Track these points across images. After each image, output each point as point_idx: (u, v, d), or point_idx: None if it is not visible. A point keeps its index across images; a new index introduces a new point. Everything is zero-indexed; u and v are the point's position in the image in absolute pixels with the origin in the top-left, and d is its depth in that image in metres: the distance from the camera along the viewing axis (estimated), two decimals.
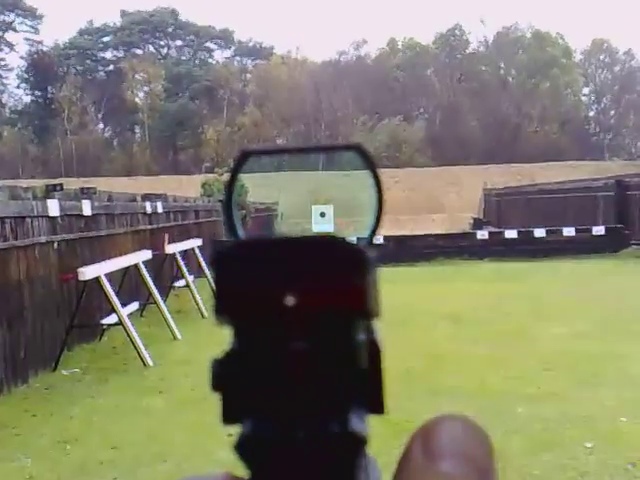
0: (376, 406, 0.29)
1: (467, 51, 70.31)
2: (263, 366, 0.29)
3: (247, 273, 0.28)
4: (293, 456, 0.27)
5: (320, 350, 0.28)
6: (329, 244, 0.29)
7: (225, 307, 0.29)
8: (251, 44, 78.68)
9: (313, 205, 14.95)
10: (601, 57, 72.92)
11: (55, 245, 6.55)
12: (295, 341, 0.28)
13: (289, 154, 0.39)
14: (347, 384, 0.29)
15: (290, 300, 0.28)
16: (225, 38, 78.14)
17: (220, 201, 16.86)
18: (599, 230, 14.85)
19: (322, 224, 14.91)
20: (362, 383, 0.29)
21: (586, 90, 73.27)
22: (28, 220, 6.02)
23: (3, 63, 72.63)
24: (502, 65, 70.53)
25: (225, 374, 0.30)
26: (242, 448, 0.28)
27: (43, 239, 6.27)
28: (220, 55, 79.54)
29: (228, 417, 0.29)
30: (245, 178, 19.81)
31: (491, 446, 0.27)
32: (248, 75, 73.86)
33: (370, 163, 0.36)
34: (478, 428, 0.27)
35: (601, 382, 5.04)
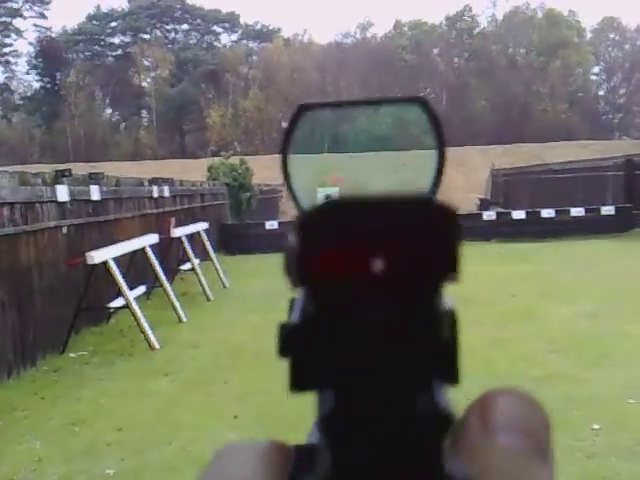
0: (453, 377, 0.28)
1: (475, 32, 69.52)
2: (343, 334, 0.27)
3: (332, 235, 0.27)
4: (380, 434, 0.26)
5: (405, 319, 0.27)
6: (422, 203, 0.27)
7: (305, 268, 0.27)
8: (257, 27, 78.19)
9: (319, 187, 14.90)
10: (611, 35, 71.96)
11: (64, 230, 6.58)
12: (379, 309, 0.27)
13: (347, 107, 0.38)
14: (431, 356, 0.27)
15: (377, 265, 0.26)
16: (231, 21, 77.66)
17: (226, 184, 16.86)
18: (608, 210, 14.74)
19: None
20: (444, 354, 0.28)
21: (596, 69, 72.48)
22: (37, 205, 6.04)
23: (12, 49, 72.57)
24: (511, 44, 69.72)
25: (297, 340, 0.28)
26: (326, 422, 0.26)
27: (52, 224, 6.30)
28: (227, 39, 79.18)
29: (298, 384, 0.28)
30: (250, 160, 19.82)
31: (548, 420, 0.26)
32: (254, 58, 73.46)
33: (433, 117, 0.36)
34: (535, 402, 0.27)
35: (609, 363, 5.02)
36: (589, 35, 71.41)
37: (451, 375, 0.28)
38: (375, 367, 0.27)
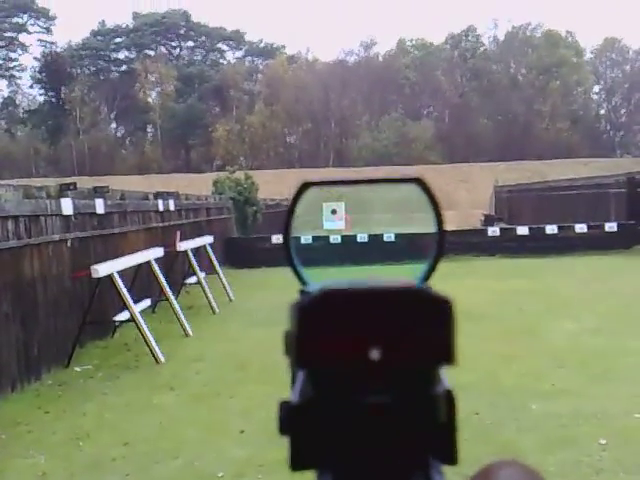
0: (451, 458, 0.29)
1: (478, 52, 69.93)
2: (342, 417, 0.28)
3: (331, 323, 0.28)
4: None
5: (402, 403, 0.28)
6: (414, 295, 0.29)
7: (307, 353, 0.28)
8: (262, 45, 78.73)
9: (324, 202, 14.93)
10: (612, 55, 72.32)
11: (68, 243, 6.59)
12: (376, 394, 0.28)
13: (348, 185, 0.40)
14: (427, 438, 0.28)
15: (375, 354, 0.28)
16: (236, 39, 78.21)
17: (232, 199, 16.90)
18: (611, 226, 14.73)
19: (333, 221, 14.89)
20: (441, 436, 0.28)
21: (597, 88, 72.78)
22: (42, 219, 6.05)
23: (17, 64, 73.15)
24: (512, 64, 70.10)
25: (297, 419, 0.29)
26: None
27: (57, 237, 6.31)
28: (231, 56, 79.67)
29: (298, 463, 0.29)
30: (255, 175, 19.89)
31: None
32: (259, 75, 73.92)
33: (431, 198, 0.36)
34: (536, 473, 0.28)
35: (614, 378, 5.00)
36: (589, 55, 71.81)
37: (449, 456, 0.29)
38: (373, 449, 0.28)
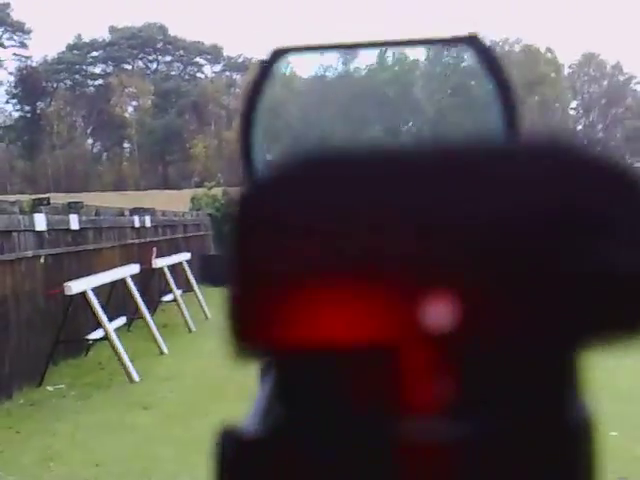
0: None
1: (455, 67, 70.92)
2: (346, 468, 0.14)
3: (319, 244, 0.13)
4: None
5: (499, 442, 0.14)
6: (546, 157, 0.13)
7: (263, 335, 0.14)
8: (240, 60, 79.11)
9: None
10: (590, 71, 73.93)
11: (42, 259, 6.49)
12: (436, 422, 0.13)
13: (331, 51, 0.25)
14: None
15: (434, 321, 0.13)
16: (214, 53, 78.52)
17: (209, 215, 16.84)
18: None
19: None
20: None
21: (574, 104, 74.26)
22: (15, 234, 5.96)
23: None
24: (490, 80, 71.28)
25: (250, 468, 0.16)
26: None
27: (30, 253, 6.21)
28: (209, 70, 79.91)
29: None
30: (233, 191, 19.79)
31: None
32: (237, 90, 74.18)
33: (491, 63, 0.25)
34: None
35: (589, 396, 5.02)
36: (567, 70, 73.34)
37: None
38: None
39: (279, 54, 0.25)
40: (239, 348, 0.14)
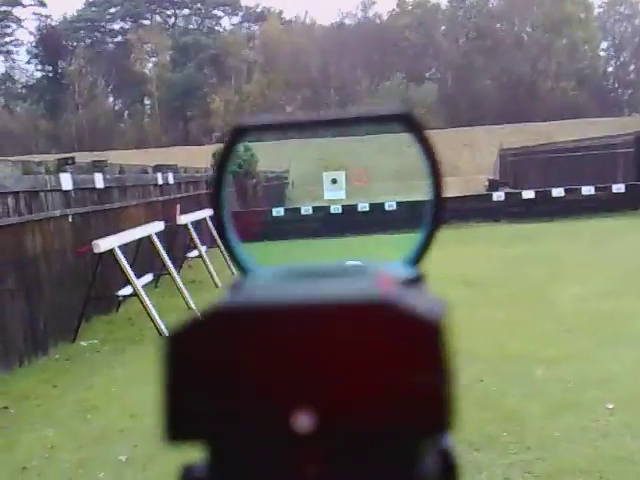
0: None
1: (479, 9, 68.64)
2: None
3: (227, 370, 0.17)
4: None
5: None
6: (380, 315, 0.16)
7: (191, 421, 0.18)
8: (259, 10, 77.61)
9: (324, 172, 14.84)
10: (621, 9, 70.91)
11: (69, 219, 6.56)
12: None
13: (302, 130, 0.27)
14: None
15: (303, 421, 0.17)
16: (232, 4, 77.09)
17: (231, 171, 16.80)
18: (619, 188, 14.62)
19: (334, 191, 14.80)
20: None
21: (604, 45, 71.46)
22: (42, 194, 6.01)
23: (13, 39, 72.34)
24: (517, 22, 68.89)
25: None
26: None
27: (57, 213, 6.28)
28: (228, 22, 78.64)
29: None
30: (255, 147, 19.75)
31: None
32: (256, 42, 73.01)
33: (423, 141, 0.27)
34: None
35: (621, 342, 4.98)
36: (598, 10, 70.35)
37: None
38: None
39: (239, 132, 0.26)
40: (169, 430, 0.19)
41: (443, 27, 67.02)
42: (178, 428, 0.18)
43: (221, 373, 0.17)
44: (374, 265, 0.22)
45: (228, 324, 0.18)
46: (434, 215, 0.27)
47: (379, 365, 0.17)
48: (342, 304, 0.17)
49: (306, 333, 0.17)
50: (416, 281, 0.23)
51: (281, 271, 0.23)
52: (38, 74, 70.88)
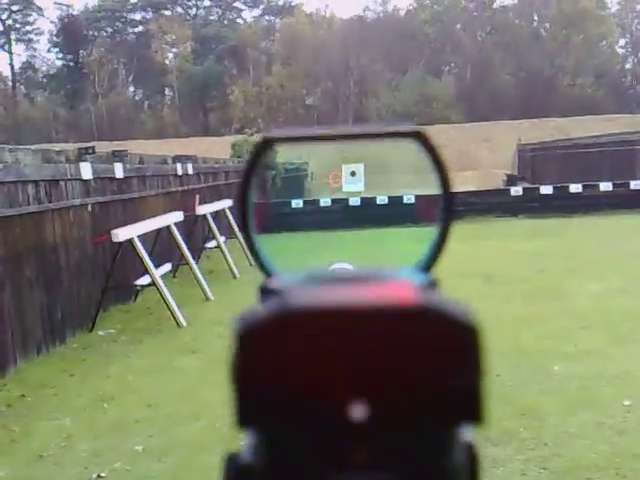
0: None
1: (497, 4, 67.92)
2: None
3: (291, 362, 0.19)
4: None
5: None
6: (423, 317, 0.19)
7: (253, 409, 0.20)
8: (280, 2, 77.38)
9: (343, 164, 14.81)
10: (638, 7, 69.81)
11: (89, 208, 6.61)
12: (361, 471, 0.19)
13: (325, 142, 0.30)
14: None
15: (357, 410, 0.19)
16: None
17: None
18: (637, 184, 14.44)
19: (353, 183, 14.78)
20: None
21: (622, 42, 70.49)
22: (62, 183, 6.07)
23: (34, 28, 72.84)
24: (535, 17, 68.10)
25: None
26: None
27: (77, 202, 6.33)
28: (248, 14, 78.59)
29: None
30: None
31: None
32: (277, 34, 72.85)
33: (434, 157, 0.28)
34: None
35: (639, 339, 4.93)
36: (616, 7, 69.38)
37: None
38: None
39: (266, 144, 0.28)
40: (238, 418, 0.21)
41: (461, 22, 66.36)
42: (244, 415, 0.20)
43: (285, 368, 0.20)
44: (391, 271, 0.23)
45: (293, 324, 0.20)
46: (443, 227, 0.27)
47: (424, 362, 0.19)
48: (388, 307, 0.20)
49: (360, 332, 0.20)
50: (432, 287, 0.24)
51: (311, 275, 0.24)
52: (59, 63, 71.33)
